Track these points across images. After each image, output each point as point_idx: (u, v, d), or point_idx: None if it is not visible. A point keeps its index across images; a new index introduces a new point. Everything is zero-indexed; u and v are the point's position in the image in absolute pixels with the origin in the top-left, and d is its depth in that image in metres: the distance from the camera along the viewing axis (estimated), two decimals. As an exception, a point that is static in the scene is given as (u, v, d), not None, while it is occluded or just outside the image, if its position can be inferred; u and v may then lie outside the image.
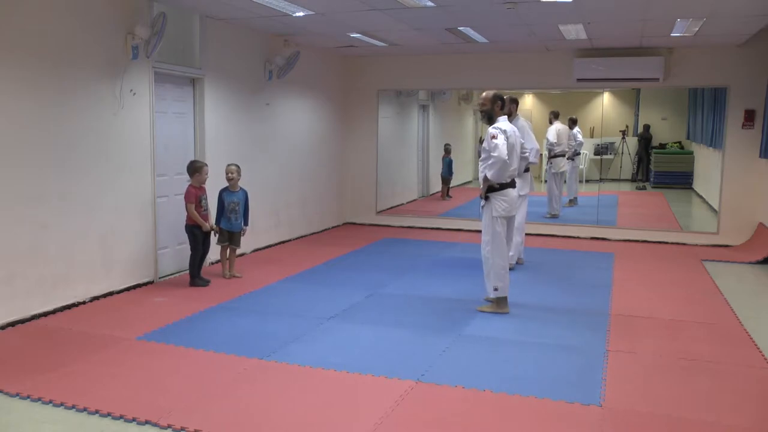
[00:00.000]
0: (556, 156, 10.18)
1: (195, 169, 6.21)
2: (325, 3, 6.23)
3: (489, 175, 5.24)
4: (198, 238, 6.19)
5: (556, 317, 5.35)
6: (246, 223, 6.63)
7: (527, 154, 6.27)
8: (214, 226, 6.38)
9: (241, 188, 6.54)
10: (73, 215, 5.42)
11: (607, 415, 3.48)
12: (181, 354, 4.36)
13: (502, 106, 5.41)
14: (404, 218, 10.48)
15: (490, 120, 5.37)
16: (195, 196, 6.13)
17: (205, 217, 6.24)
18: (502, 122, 5.35)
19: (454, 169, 12.06)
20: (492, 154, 5.19)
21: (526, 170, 6.77)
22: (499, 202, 5.32)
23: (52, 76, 5.18)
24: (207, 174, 6.23)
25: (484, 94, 5.38)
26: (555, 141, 10.12)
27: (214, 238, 6.50)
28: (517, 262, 6.93)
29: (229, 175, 6.43)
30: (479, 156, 5.49)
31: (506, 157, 5.19)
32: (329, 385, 3.87)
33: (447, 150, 11.93)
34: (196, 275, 6.23)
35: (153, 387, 3.80)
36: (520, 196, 6.63)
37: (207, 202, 6.29)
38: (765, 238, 8.08)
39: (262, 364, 4.18)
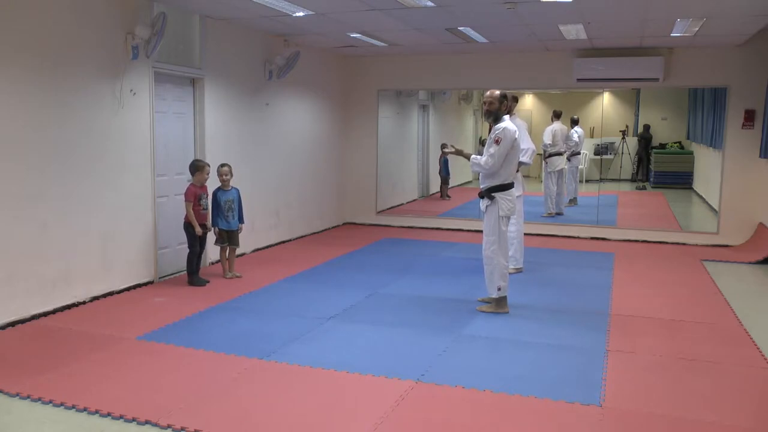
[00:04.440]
0: (551, 156, 10.21)
1: (196, 168, 6.25)
2: (325, 3, 6.23)
3: (475, 167, 5.37)
4: (194, 236, 6.21)
5: (556, 317, 5.35)
6: (242, 221, 6.64)
7: (522, 153, 6.28)
8: (209, 226, 6.37)
9: (233, 187, 6.56)
10: (73, 215, 5.42)
11: (607, 415, 3.48)
12: (181, 354, 4.36)
13: (507, 105, 5.43)
14: (404, 218, 10.48)
15: (496, 120, 5.36)
16: (194, 195, 6.15)
17: (204, 216, 6.25)
18: (507, 122, 5.34)
19: (451, 170, 12.07)
20: (482, 159, 5.25)
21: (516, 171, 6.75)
22: (505, 202, 5.32)
23: (52, 76, 5.18)
24: (209, 174, 6.26)
25: (488, 92, 5.34)
26: (550, 142, 10.17)
27: (211, 235, 6.50)
28: (517, 270, 6.90)
29: (224, 177, 6.45)
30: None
31: (494, 169, 5.26)
32: (329, 385, 3.87)
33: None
34: (194, 274, 6.24)
35: (153, 387, 3.80)
36: (516, 197, 6.63)
37: (207, 202, 6.30)
38: (765, 238, 8.08)
39: (262, 364, 4.18)
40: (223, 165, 6.52)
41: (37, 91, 5.05)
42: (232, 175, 6.53)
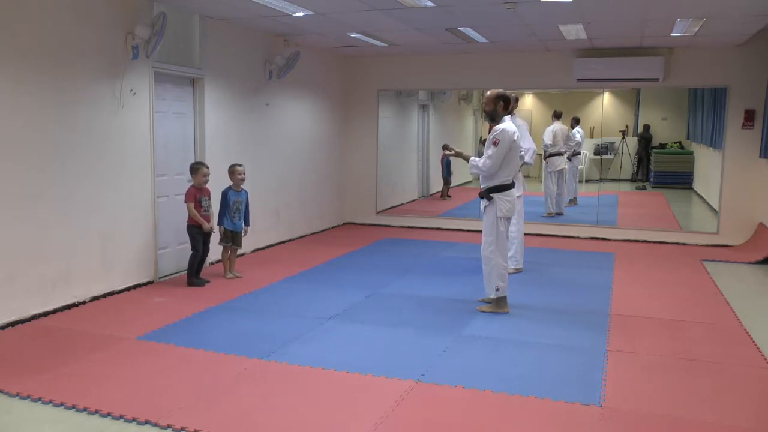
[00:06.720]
0: (551, 156, 10.22)
1: (193, 169, 6.27)
2: (325, 3, 6.23)
3: (473, 169, 5.39)
4: (197, 238, 6.19)
5: (556, 317, 5.35)
6: (247, 223, 6.65)
7: (523, 153, 6.27)
8: (215, 228, 6.38)
9: (242, 188, 6.56)
10: (73, 215, 5.42)
11: (607, 415, 3.48)
12: (181, 354, 4.36)
13: (505, 105, 5.37)
14: (404, 218, 10.48)
15: (493, 120, 5.35)
16: (193, 196, 6.14)
17: (207, 218, 6.24)
18: (507, 123, 5.32)
19: (452, 169, 12.07)
20: (480, 162, 5.24)
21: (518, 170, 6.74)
22: (503, 203, 5.31)
23: (52, 76, 5.18)
24: (206, 176, 6.22)
25: (488, 92, 5.35)
26: (550, 142, 10.18)
27: (215, 238, 6.50)
28: (517, 270, 6.90)
29: (240, 176, 6.46)
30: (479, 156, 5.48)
31: (492, 171, 5.25)
32: (329, 385, 3.87)
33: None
34: (193, 275, 6.24)
35: (153, 387, 3.80)
36: (517, 197, 6.63)
37: (208, 203, 6.29)
38: (765, 238, 8.08)
39: (262, 364, 4.18)
40: (239, 165, 6.54)
41: (37, 91, 5.05)
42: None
